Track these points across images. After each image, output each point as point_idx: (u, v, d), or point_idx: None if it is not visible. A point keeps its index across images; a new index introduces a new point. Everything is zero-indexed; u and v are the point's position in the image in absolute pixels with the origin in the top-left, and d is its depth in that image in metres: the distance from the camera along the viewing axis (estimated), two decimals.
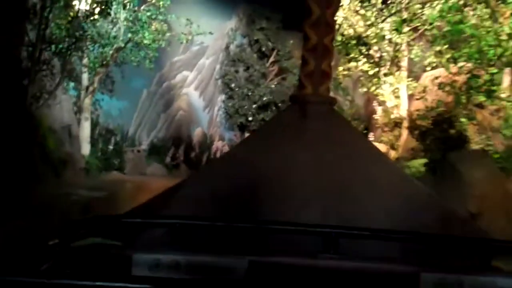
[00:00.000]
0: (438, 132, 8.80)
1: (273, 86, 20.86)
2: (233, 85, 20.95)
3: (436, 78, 10.26)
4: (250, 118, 20.82)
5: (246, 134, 21.18)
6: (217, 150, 20.73)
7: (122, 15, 14.61)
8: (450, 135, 8.86)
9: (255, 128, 20.60)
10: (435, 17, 9.23)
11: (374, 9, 11.64)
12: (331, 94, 4.58)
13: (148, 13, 15.05)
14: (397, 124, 11.66)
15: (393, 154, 11.12)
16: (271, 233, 2.23)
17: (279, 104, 19.92)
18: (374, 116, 12.83)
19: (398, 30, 10.79)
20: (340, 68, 12.35)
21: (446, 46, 9.24)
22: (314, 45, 4.18)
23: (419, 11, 10.73)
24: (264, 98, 20.52)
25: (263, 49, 21.11)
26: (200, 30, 17.02)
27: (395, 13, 11.15)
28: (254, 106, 20.66)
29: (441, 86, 9.66)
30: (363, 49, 11.84)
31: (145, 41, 14.68)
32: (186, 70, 21.17)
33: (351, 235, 2.07)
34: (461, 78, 9.09)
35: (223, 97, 21.37)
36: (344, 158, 4.06)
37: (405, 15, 10.90)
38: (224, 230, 2.10)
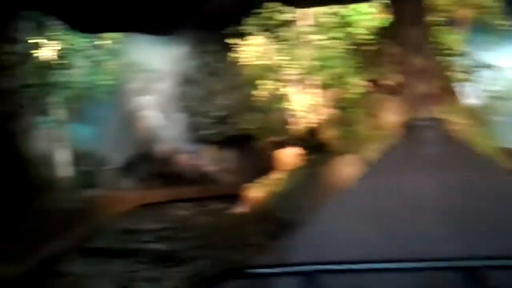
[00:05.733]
0: None
1: (224, 101, 23.36)
2: (189, 103, 23.54)
3: None
4: (208, 131, 23.39)
5: (208, 146, 23.83)
6: (181, 162, 23.18)
7: (82, 62, 17.52)
8: None
9: (215, 140, 23.29)
10: None
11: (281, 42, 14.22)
12: None
13: (107, 56, 18.00)
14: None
15: None
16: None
17: (232, 117, 22.48)
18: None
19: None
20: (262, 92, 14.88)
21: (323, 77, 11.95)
22: (421, 69, 4.76)
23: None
24: (218, 113, 23.06)
25: (213, 69, 23.69)
26: (147, 67, 20.12)
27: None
28: (210, 121, 23.23)
29: None
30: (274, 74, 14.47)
31: (102, 82, 17.64)
32: (145, 95, 23.67)
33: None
34: None
35: (182, 115, 23.91)
36: (474, 180, 3.90)
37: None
38: (363, 272, 1.86)
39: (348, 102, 10.29)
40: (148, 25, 13.23)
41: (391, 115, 8.56)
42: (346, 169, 8.57)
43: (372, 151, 8.20)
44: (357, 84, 10.03)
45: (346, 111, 10.32)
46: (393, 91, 8.93)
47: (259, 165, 20.67)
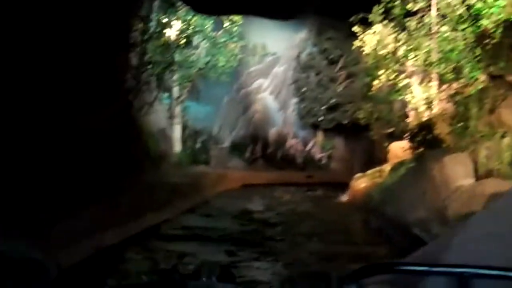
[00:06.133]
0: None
1: (340, 89, 23.13)
2: (304, 89, 23.57)
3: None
4: (320, 118, 23.30)
5: (318, 133, 23.80)
6: (291, 146, 23.37)
7: (202, 43, 18.14)
8: None
9: (327, 127, 23.18)
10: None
11: (404, 32, 13.66)
12: None
13: (223, 39, 18.51)
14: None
15: None
16: None
17: (346, 105, 22.23)
18: (406, 119, 14.53)
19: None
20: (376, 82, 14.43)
21: (440, 69, 11.27)
22: None
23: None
24: (332, 100, 22.88)
25: (332, 56, 23.50)
26: (264, 51, 20.34)
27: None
28: (323, 107, 23.10)
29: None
30: (395, 64, 13.98)
31: (220, 63, 18.16)
32: (262, 78, 24.07)
33: None
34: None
35: (295, 100, 24.04)
36: None
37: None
38: None
39: (465, 97, 9.67)
40: (269, 8, 13.23)
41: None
42: (456, 167, 8.09)
43: (486, 150, 7.69)
44: (477, 78, 9.37)
45: (462, 106, 9.70)
46: None
47: (369, 155, 20.31)
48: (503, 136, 7.64)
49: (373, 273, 1.71)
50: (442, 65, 12.02)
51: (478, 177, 7.85)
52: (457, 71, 10.36)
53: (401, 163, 12.16)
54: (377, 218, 10.92)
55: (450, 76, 11.53)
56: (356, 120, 17.60)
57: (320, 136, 23.81)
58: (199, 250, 8.34)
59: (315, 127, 23.71)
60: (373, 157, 18.87)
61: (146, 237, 8.78)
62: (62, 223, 6.86)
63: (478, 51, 9.44)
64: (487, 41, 9.02)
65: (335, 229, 10.83)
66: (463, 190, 7.47)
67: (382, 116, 15.88)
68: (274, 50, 23.36)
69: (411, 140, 11.60)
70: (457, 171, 8.02)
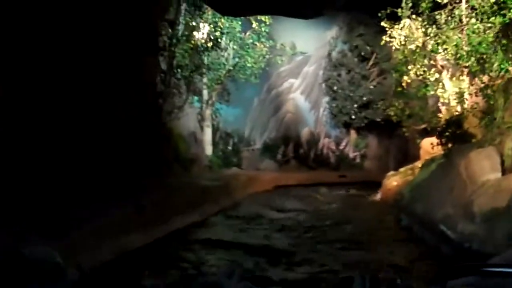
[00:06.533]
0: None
1: (371, 86, 22.85)
2: (335, 87, 23.39)
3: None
4: (353, 117, 23.08)
5: (351, 131, 23.58)
6: (324, 146, 23.20)
7: (230, 45, 18.21)
8: None
9: (359, 125, 22.93)
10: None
11: (434, 26, 13.34)
12: None
13: (251, 40, 18.54)
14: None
15: None
16: None
17: (379, 103, 21.93)
18: (438, 114, 14.21)
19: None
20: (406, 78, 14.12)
21: (471, 62, 10.92)
22: None
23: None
24: (364, 98, 22.62)
25: (363, 53, 23.26)
26: (294, 51, 20.31)
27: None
28: (355, 105, 22.87)
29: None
30: (425, 59, 13.67)
31: (248, 64, 18.19)
32: (292, 78, 23.97)
33: None
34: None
35: (327, 99, 23.86)
36: None
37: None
38: None
39: (495, 91, 9.38)
40: (293, 7, 13.13)
41: None
42: (482, 162, 7.86)
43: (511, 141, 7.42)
44: (507, 70, 9.08)
45: (492, 99, 9.42)
46: None
47: (404, 153, 20.01)
48: None
49: (459, 274, 1.70)
50: (472, 58, 11.72)
51: (504, 171, 7.61)
52: (487, 64, 10.01)
53: (432, 160, 11.91)
54: (408, 216, 10.72)
55: (479, 69, 11.22)
56: (389, 117, 17.30)
57: (353, 134, 23.59)
58: (224, 254, 8.32)
59: (347, 125, 23.52)
60: (408, 155, 18.59)
61: (172, 240, 8.82)
62: (86, 225, 6.97)
63: (506, 42, 9.13)
64: None
65: (365, 229, 10.71)
66: (489, 185, 7.25)
67: (414, 112, 15.57)
68: (304, 49, 23.21)
69: (440, 136, 11.34)
70: (483, 166, 7.79)
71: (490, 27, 10.35)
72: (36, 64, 8.95)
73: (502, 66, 9.31)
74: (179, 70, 15.68)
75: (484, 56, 10.74)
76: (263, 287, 6.15)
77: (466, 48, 12.04)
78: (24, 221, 6.60)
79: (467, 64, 12.18)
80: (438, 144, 11.51)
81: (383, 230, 10.51)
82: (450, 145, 10.80)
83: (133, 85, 12.47)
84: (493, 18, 10.29)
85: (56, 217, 6.97)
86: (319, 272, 7.19)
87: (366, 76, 23.14)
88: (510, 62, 9.02)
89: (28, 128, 8.35)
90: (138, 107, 12.71)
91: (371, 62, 23.29)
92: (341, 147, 23.21)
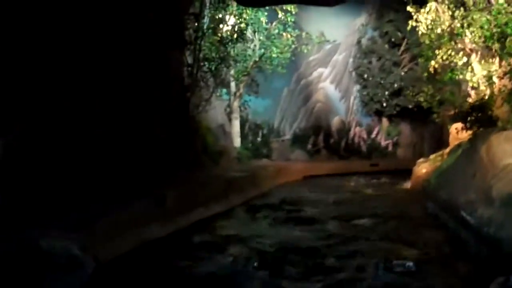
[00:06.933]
0: None
1: (403, 73, 22.51)
2: (366, 75, 23.14)
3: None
4: (384, 104, 22.81)
5: (383, 119, 23.30)
6: (355, 135, 22.99)
7: (256, 36, 18.23)
8: None
9: (390, 112, 22.64)
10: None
11: (462, 8, 13.02)
12: None
13: (276, 30, 18.51)
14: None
15: None
16: None
17: (410, 89, 21.55)
18: (468, 99, 13.86)
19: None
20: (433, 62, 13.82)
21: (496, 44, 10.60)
22: None
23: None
24: (396, 85, 22.31)
25: (393, 39, 22.92)
26: (322, 39, 20.19)
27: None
28: (386, 93, 22.58)
29: None
30: (452, 43, 13.36)
31: (273, 55, 18.15)
32: (321, 67, 23.75)
33: None
34: None
35: (357, 87, 23.62)
36: None
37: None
38: None
39: None
40: None
41: None
42: (504, 145, 7.68)
43: None
44: None
45: None
46: None
47: (438, 139, 19.69)
48: None
49: None
50: (500, 40, 11.43)
51: None
52: None
53: (458, 146, 11.70)
54: (434, 203, 10.59)
55: (508, 51, 10.94)
56: (420, 104, 17.04)
57: (385, 122, 23.31)
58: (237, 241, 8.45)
59: (379, 113, 23.25)
60: (442, 141, 18.26)
61: (193, 231, 8.96)
62: (106, 217, 7.17)
63: None
64: None
65: (391, 216, 10.67)
66: (510, 169, 7.09)
67: (444, 98, 15.28)
68: (333, 38, 22.98)
69: (464, 120, 11.12)
70: (505, 149, 7.62)
71: None
72: (62, 59, 9.14)
73: None
74: (205, 63, 15.75)
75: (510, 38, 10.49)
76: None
77: (492, 30, 11.76)
78: (45, 215, 6.83)
79: (494, 46, 11.91)
80: (462, 129, 11.30)
81: (407, 219, 10.40)
82: (475, 129, 10.58)
83: (159, 80, 12.61)
84: None
85: (78, 211, 7.17)
86: (337, 260, 7.21)
87: (397, 62, 22.82)
88: None
89: (50, 122, 8.58)
90: (165, 101, 12.90)
91: (402, 48, 22.95)
92: (372, 136, 22.96)
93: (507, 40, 10.60)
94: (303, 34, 20.28)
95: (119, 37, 10.56)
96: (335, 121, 23.23)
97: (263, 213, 11.14)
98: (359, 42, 23.67)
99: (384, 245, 8.04)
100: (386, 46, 23.10)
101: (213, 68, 16.08)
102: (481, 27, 12.07)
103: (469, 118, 10.82)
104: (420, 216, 10.60)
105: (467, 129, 10.95)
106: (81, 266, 5.58)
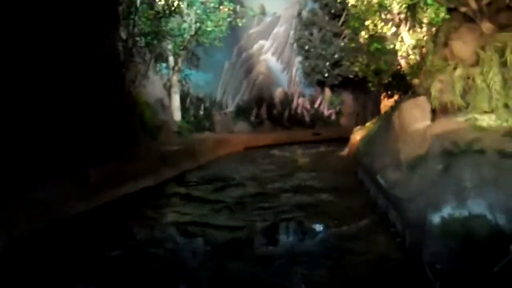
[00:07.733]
0: None
1: (342, 44, 22.81)
2: (307, 46, 23.36)
3: None
4: (326, 75, 23.13)
5: (326, 89, 23.67)
6: (298, 105, 23.31)
7: (191, 10, 18.10)
8: None
9: (331, 83, 23.00)
10: None
11: None
12: None
13: (212, 4, 18.40)
14: None
15: None
16: None
17: (351, 59, 21.89)
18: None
19: None
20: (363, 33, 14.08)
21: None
22: None
23: None
24: (336, 56, 22.62)
25: (333, 10, 23.14)
26: (254, 12, 20.29)
27: None
28: (328, 63, 22.90)
29: None
30: (382, 14, 13.60)
31: (208, 29, 18.09)
32: (262, 40, 23.91)
33: None
34: None
35: (299, 58, 23.86)
36: None
37: None
38: None
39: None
40: None
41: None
42: (413, 111, 8.01)
43: (439, 83, 7.52)
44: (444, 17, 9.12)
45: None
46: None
47: (376, 108, 20.15)
48: (454, 68, 7.50)
49: None
50: (428, 8, 11.71)
51: (434, 117, 7.77)
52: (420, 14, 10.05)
53: (385, 113, 12.08)
54: (360, 169, 10.97)
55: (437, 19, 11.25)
56: (358, 74, 17.34)
57: (327, 92, 23.69)
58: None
59: (321, 84, 23.60)
60: (373, 110, 18.72)
61: (122, 207, 9.02)
62: (22, 199, 7.16)
63: None
64: None
65: (323, 181, 11.02)
66: (416, 134, 7.43)
67: (377, 68, 15.62)
68: (273, 10, 23.07)
69: (386, 88, 11.47)
70: (414, 115, 7.96)
71: None
72: None
73: (439, 14, 9.35)
74: (142, 38, 15.58)
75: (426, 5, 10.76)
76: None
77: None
78: None
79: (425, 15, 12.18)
80: (384, 97, 11.66)
81: (336, 187, 10.69)
82: (397, 97, 10.94)
83: (94, 58, 12.41)
84: None
85: None
86: (256, 220, 7.49)
87: (338, 33, 23.09)
88: (441, 9, 9.08)
89: None
90: (100, 79, 12.72)
91: (342, 19, 23.17)
92: (315, 106, 23.32)
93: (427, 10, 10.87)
94: (238, 7, 20.20)
95: (48, 16, 10.32)
96: (277, 93, 23.48)
97: (192, 186, 11.27)
98: (299, 14, 23.81)
99: (306, 210, 8.31)
100: (327, 17, 23.34)
101: (149, 43, 15.92)
102: None
103: (390, 86, 11.14)
104: (349, 182, 10.94)
105: (389, 96, 11.30)
106: None
